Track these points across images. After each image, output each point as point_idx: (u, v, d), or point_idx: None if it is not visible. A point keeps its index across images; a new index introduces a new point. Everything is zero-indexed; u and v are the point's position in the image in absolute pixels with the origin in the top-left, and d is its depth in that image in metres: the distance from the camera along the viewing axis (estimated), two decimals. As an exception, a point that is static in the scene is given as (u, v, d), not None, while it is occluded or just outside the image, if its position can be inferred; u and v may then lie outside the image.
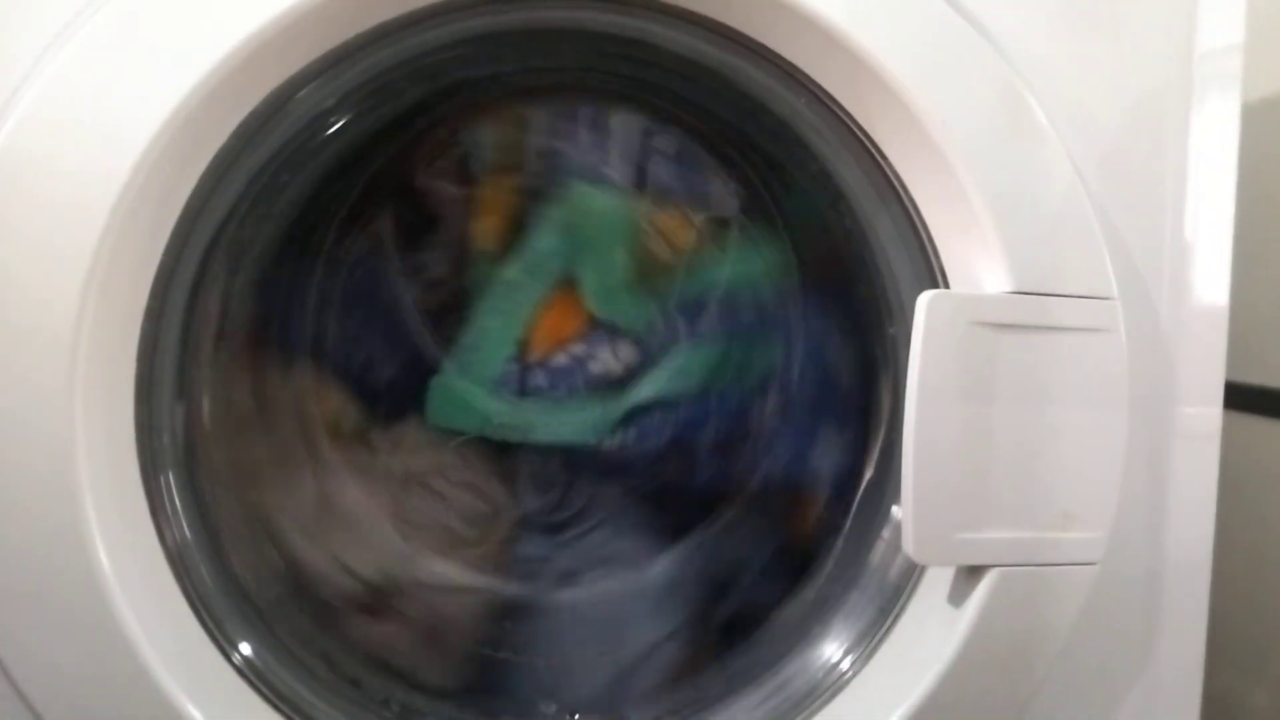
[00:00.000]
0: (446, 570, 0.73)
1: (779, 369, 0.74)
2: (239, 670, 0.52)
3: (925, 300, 0.51)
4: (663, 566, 0.74)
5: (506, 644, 0.70)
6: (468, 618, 0.72)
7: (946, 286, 0.55)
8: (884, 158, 0.55)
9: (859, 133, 0.55)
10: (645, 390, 0.73)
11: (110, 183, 0.46)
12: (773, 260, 0.73)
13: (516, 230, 0.72)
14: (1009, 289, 0.53)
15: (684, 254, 0.73)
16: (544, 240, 0.71)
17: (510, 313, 0.72)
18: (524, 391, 0.73)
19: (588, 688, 0.67)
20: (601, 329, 0.73)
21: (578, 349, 0.73)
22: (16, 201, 0.46)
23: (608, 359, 0.73)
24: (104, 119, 0.47)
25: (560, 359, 0.73)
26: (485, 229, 0.72)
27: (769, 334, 0.74)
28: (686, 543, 0.74)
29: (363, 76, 0.55)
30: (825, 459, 0.71)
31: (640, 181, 0.72)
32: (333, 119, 0.58)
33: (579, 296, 0.72)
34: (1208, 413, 0.59)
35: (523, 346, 0.72)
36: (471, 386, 0.72)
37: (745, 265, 0.73)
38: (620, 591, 0.73)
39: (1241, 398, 0.68)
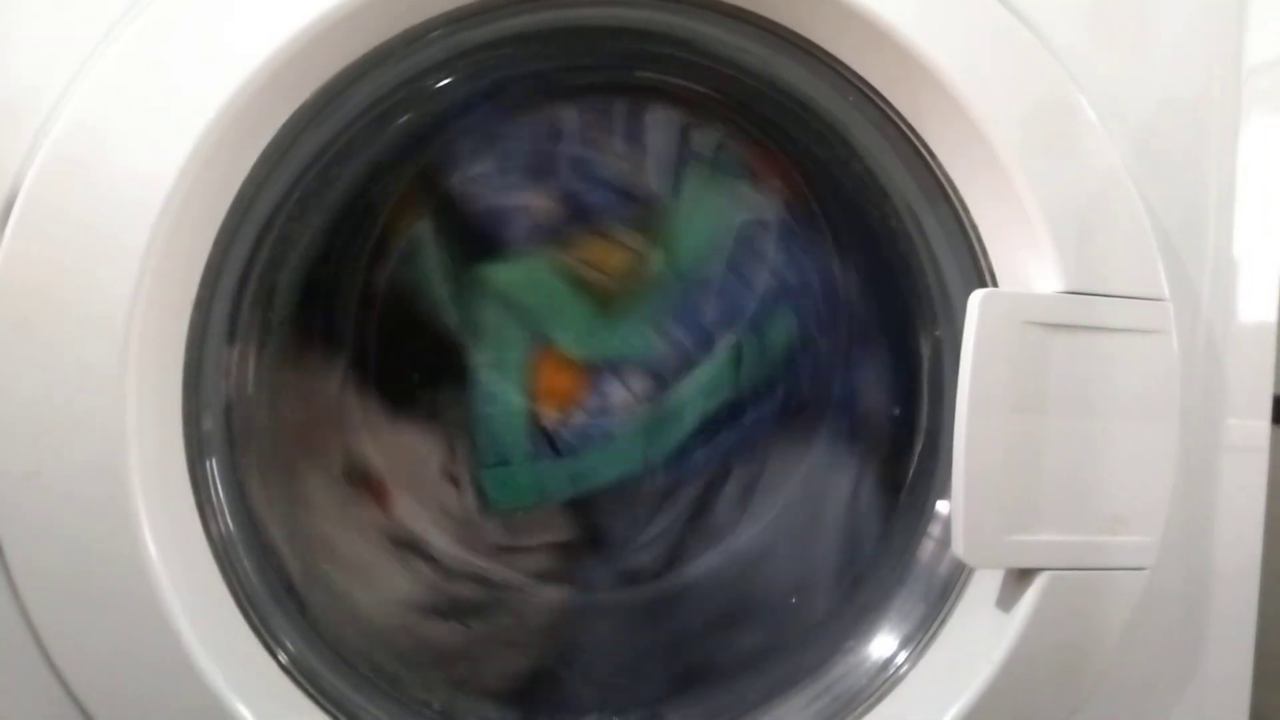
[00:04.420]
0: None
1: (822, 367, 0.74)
2: (285, 669, 0.52)
3: (978, 299, 0.51)
4: (711, 566, 0.74)
5: (548, 648, 0.70)
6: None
7: (996, 286, 0.55)
8: (932, 156, 0.55)
9: (907, 131, 0.55)
10: (688, 421, 0.73)
11: (163, 176, 0.46)
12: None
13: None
14: (1060, 289, 0.52)
15: (626, 268, 0.72)
16: (492, 324, 0.71)
17: (502, 395, 0.72)
18: (560, 452, 0.73)
19: (629, 692, 0.66)
20: (600, 370, 0.73)
21: (589, 401, 0.73)
22: (72, 194, 0.46)
23: (622, 393, 0.73)
24: (157, 112, 0.47)
25: (577, 417, 0.73)
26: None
27: (772, 310, 0.73)
28: (735, 539, 0.74)
29: (408, 74, 0.55)
30: (869, 456, 0.71)
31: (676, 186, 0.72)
32: (380, 115, 0.57)
33: (559, 351, 0.72)
34: (1256, 425, 0.59)
35: (534, 415, 0.72)
36: (515, 468, 0.72)
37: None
38: (668, 596, 0.73)
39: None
